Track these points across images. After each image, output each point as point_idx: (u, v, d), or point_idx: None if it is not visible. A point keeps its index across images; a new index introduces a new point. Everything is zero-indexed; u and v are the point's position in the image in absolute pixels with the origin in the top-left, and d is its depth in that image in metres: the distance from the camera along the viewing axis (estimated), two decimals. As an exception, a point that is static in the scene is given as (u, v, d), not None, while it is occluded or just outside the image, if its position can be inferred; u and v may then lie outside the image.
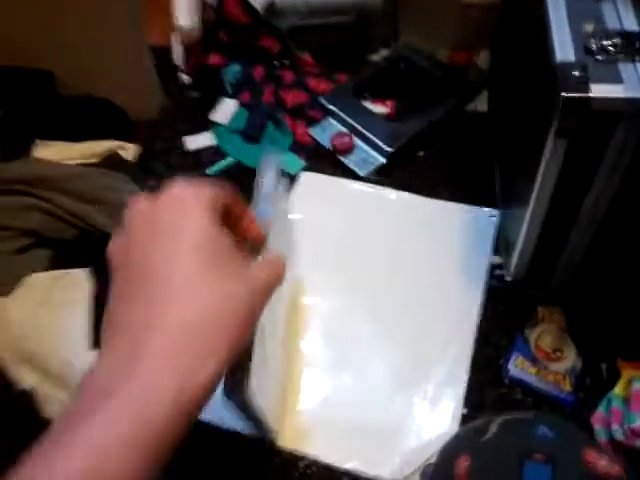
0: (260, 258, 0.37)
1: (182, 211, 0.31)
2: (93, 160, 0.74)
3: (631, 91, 0.40)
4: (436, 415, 0.55)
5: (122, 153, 0.76)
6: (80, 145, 0.75)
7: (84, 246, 0.65)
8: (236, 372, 0.37)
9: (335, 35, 0.84)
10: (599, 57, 0.41)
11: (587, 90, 0.39)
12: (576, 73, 0.40)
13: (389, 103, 0.80)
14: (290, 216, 0.66)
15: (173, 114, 0.83)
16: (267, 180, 0.42)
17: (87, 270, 0.63)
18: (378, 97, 0.81)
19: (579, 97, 0.39)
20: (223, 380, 0.36)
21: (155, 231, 0.31)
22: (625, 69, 0.41)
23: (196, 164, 0.77)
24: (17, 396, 0.54)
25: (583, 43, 0.42)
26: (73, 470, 0.25)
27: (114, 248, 0.33)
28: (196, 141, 0.79)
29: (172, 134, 0.81)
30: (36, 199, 0.64)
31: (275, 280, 0.34)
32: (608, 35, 0.42)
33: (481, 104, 0.79)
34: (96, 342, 0.57)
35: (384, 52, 0.87)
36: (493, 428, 0.43)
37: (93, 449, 0.25)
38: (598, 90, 0.40)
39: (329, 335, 0.61)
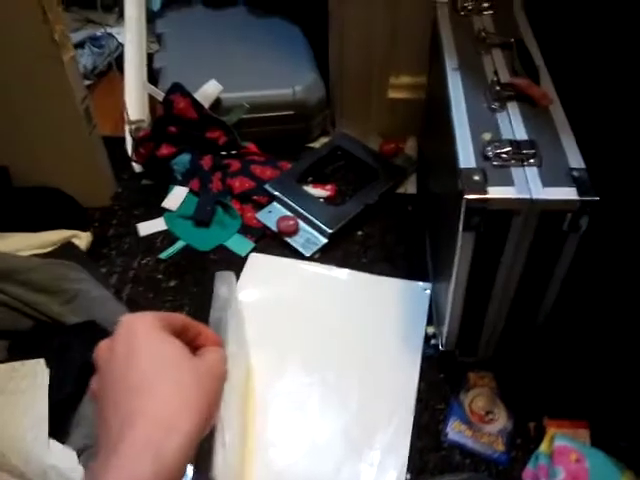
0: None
1: (132, 334, 0.39)
2: (47, 249, 0.77)
3: (521, 193, 0.48)
4: (383, 481, 0.59)
5: (75, 241, 0.79)
6: (34, 235, 0.78)
7: (40, 335, 0.67)
8: (200, 458, 0.41)
9: (277, 127, 0.92)
10: (495, 163, 0.50)
11: (485, 192, 0.47)
12: (476, 178, 0.48)
13: (329, 187, 0.88)
14: (241, 299, 0.71)
15: (125, 202, 0.88)
16: (220, 292, 0.50)
17: (43, 360, 0.64)
18: (319, 182, 0.88)
19: (479, 198, 0.47)
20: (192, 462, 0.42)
21: (113, 359, 0.38)
22: (516, 173, 0.49)
23: (148, 249, 0.81)
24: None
25: (481, 151, 0.51)
26: None
27: (91, 388, 0.40)
28: (148, 227, 0.84)
29: (125, 221, 0.85)
30: (-6, 292, 0.66)
31: (220, 361, 0.42)
32: (502, 144, 0.51)
33: (411, 186, 0.88)
34: (53, 428, 0.58)
35: (323, 140, 0.96)
36: (431, 491, 0.47)
37: None
38: (494, 192, 0.48)
39: (281, 410, 0.65)
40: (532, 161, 0.51)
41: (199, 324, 0.45)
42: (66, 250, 0.78)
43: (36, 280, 0.69)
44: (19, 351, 0.65)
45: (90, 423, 0.59)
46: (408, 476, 0.59)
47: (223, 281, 0.55)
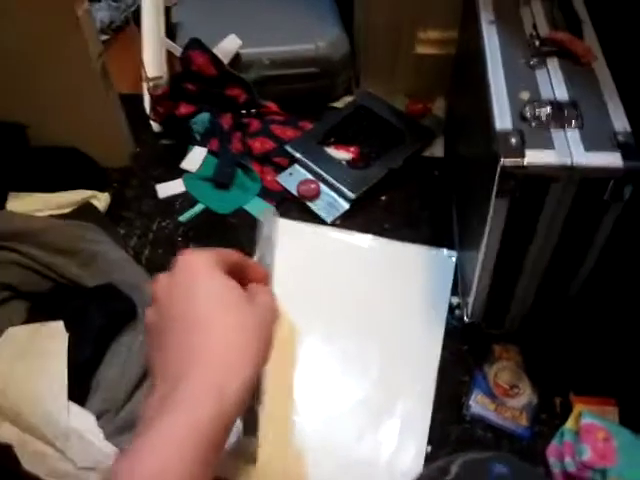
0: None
1: (193, 272, 0.38)
2: (65, 210, 0.76)
3: (561, 157, 0.44)
4: (403, 452, 0.58)
5: (94, 202, 0.78)
6: (52, 196, 0.77)
7: (59, 297, 0.67)
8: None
9: (299, 85, 0.88)
10: (533, 125, 0.46)
11: (522, 157, 0.44)
12: (513, 140, 0.44)
13: (352, 149, 0.84)
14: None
15: (144, 162, 0.86)
16: (265, 231, 0.49)
17: (62, 323, 0.64)
18: (342, 143, 0.85)
19: (515, 163, 0.44)
20: None
21: (174, 294, 0.38)
22: (556, 136, 0.46)
23: (167, 211, 0.80)
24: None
25: (519, 111, 0.47)
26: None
27: (147, 319, 0.40)
28: (167, 188, 0.82)
29: (143, 182, 0.83)
30: (14, 253, 0.65)
31: (274, 306, 0.41)
32: (541, 104, 0.47)
33: (437, 149, 0.84)
34: (72, 393, 0.58)
35: (347, 99, 0.92)
36: (454, 469, 0.46)
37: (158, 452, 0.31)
38: (532, 156, 0.44)
39: (301, 379, 0.64)
40: (574, 123, 0.47)
41: (249, 260, 0.44)
42: (84, 211, 0.77)
43: (53, 241, 0.68)
44: (39, 313, 0.65)
45: (109, 387, 0.59)
46: (429, 448, 0.58)
47: (266, 220, 0.53)
